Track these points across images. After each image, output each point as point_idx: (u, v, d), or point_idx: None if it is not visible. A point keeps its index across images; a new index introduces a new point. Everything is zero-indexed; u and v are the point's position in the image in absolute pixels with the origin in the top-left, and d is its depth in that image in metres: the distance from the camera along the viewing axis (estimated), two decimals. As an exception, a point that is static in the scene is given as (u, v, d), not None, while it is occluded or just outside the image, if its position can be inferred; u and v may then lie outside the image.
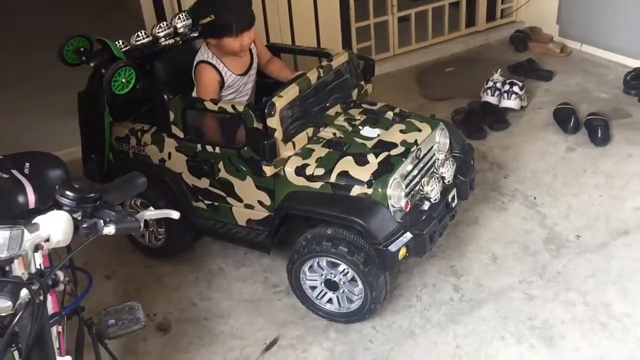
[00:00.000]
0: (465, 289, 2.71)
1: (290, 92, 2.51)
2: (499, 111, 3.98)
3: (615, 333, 2.43)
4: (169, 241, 2.96)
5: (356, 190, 2.41)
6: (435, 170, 2.62)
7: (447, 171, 2.60)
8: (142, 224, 1.70)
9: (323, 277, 2.53)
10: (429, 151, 2.64)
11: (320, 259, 2.50)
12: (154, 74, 2.88)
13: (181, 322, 2.69)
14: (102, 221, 1.60)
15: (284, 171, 2.52)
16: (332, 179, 2.45)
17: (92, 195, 1.62)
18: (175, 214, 1.87)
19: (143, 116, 2.99)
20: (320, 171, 2.47)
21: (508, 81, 4.04)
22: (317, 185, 2.48)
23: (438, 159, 2.66)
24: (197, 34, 2.91)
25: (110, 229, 1.60)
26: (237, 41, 2.68)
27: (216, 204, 2.79)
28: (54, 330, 1.76)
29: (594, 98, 4.11)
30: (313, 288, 2.59)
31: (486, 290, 2.69)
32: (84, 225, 1.59)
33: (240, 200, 2.70)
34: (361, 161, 2.46)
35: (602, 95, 4.14)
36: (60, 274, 1.76)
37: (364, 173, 2.42)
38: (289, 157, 2.52)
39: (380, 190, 2.38)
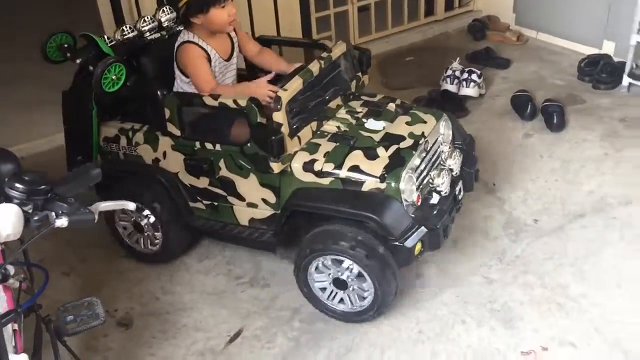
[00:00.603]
0: (427, 275, 2.74)
1: (294, 85, 2.41)
2: (458, 99, 4.02)
3: (572, 313, 2.49)
4: (165, 245, 2.83)
5: (368, 185, 2.34)
6: (442, 163, 2.57)
7: (455, 163, 2.56)
8: (96, 216, 1.68)
9: (331, 276, 2.46)
10: (434, 143, 2.59)
11: (324, 258, 2.42)
12: (142, 70, 2.74)
13: (143, 317, 2.64)
14: (53, 214, 1.61)
15: (290, 167, 2.43)
16: (343, 174, 2.37)
17: (43, 187, 1.62)
18: (131, 205, 1.86)
19: (131, 114, 2.84)
20: (329, 166, 2.39)
21: (466, 69, 4.08)
22: (326, 181, 2.39)
23: (443, 151, 2.62)
24: (182, 23, 2.77)
25: (62, 222, 1.59)
26: (224, 11, 2.56)
27: (216, 203, 2.67)
28: (9, 327, 1.70)
29: (549, 85, 4.21)
30: (323, 290, 2.51)
31: (447, 275, 2.73)
32: (35, 218, 1.59)
33: (243, 199, 2.59)
34: (371, 155, 2.39)
35: (558, 82, 4.26)
36: (11, 269, 1.74)
37: (375, 167, 2.35)
38: (295, 152, 2.43)
39: (393, 184, 2.32)
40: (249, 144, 2.44)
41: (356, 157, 2.39)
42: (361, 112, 2.66)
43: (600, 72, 4.13)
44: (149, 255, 2.90)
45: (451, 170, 2.55)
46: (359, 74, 2.86)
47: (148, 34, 2.83)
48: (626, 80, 4.05)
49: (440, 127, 2.64)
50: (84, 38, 2.61)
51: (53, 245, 2.96)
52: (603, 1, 4.31)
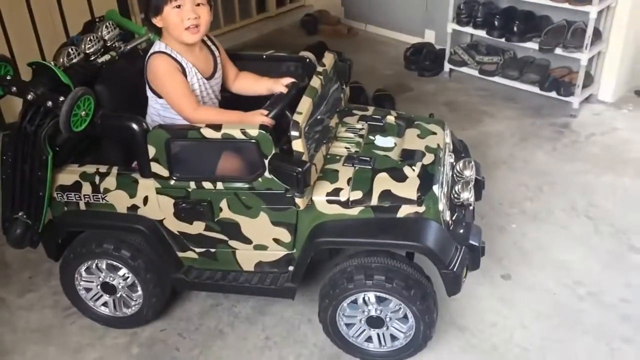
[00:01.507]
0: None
1: (306, 106, 2.10)
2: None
3: None
4: (145, 306, 2.38)
5: (404, 211, 2.11)
6: (458, 174, 2.41)
7: (472, 174, 2.41)
8: None
9: (365, 313, 2.20)
10: (444, 154, 2.43)
11: (357, 296, 2.17)
12: (99, 100, 2.25)
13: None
14: None
15: (312, 200, 2.13)
16: (374, 201, 2.12)
17: None
18: None
19: (84, 155, 2.36)
20: (357, 194, 2.12)
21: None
22: (355, 211, 2.13)
23: (452, 162, 2.46)
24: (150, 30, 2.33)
25: None
26: (179, 12, 2.10)
27: (212, 250, 2.28)
28: None
29: (380, 75, 4.45)
30: (349, 326, 2.25)
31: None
32: None
33: (249, 242, 2.23)
34: (399, 176, 2.16)
35: (387, 72, 4.50)
36: None
37: (408, 190, 2.13)
38: (314, 182, 2.13)
39: (432, 206, 2.11)
40: (260, 179, 2.09)
41: (383, 180, 2.15)
42: (363, 128, 2.42)
43: (424, 59, 4.43)
44: (121, 320, 2.44)
45: (469, 181, 2.39)
46: (343, 86, 2.61)
47: (94, 56, 2.36)
48: (447, 66, 4.35)
49: (446, 136, 2.48)
50: (32, 67, 2.08)
51: None
52: None
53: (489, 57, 4.18)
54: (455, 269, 2.09)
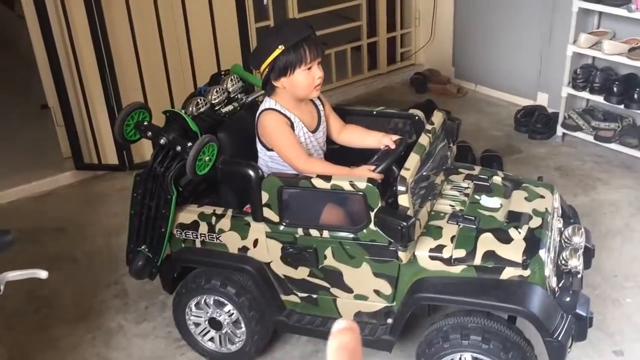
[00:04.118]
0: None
1: (414, 163, 2.16)
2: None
3: None
4: (248, 344, 2.48)
5: (508, 273, 2.09)
6: (566, 240, 2.35)
7: (581, 241, 2.35)
8: (2, 287, 1.60)
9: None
10: (552, 219, 2.38)
11: (455, 355, 2.15)
12: (220, 147, 2.43)
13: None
14: None
15: (414, 255, 2.16)
16: (477, 261, 2.12)
17: None
18: (43, 274, 1.71)
19: (201, 196, 2.54)
20: (460, 253, 2.13)
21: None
22: (457, 269, 2.13)
23: (560, 227, 2.41)
24: (263, 89, 2.49)
25: None
26: (310, 74, 2.24)
27: (315, 296, 2.36)
28: None
29: (488, 136, 4.33)
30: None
31: None
32: None
33: (350, 291, 2.29)
34: (504, 238, 2.15)
35: (496, 133, 4.39)
36: None
37: (513, 252, 2.11)
38: (417, 237, 2.17)
39: (537, 271, 2.08)
40: (365, 230, 2.16)
41: (488, 240, 2.15)
42: (468, 187, 2.44)
43: (536, 122, 4.30)
44: (226, 356, 2.55)
45: (578, 249, 2.33)
46: (451, 145, 2.65)
47: (219, 106, 2.56)
48: (560, 130, 4.20)
49: (555, 200, 2.45)
50: (166, 114, 2.30)
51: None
52: (535, 55, 4.51)
53: (605, 123, 4.06)
54: (560, 338, 2.03)
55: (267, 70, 2.26)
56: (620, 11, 3.66)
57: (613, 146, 3.99)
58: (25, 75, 4.80)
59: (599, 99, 3.96)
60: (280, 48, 2.20)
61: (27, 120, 4.58)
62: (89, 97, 3.86)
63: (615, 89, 3.85)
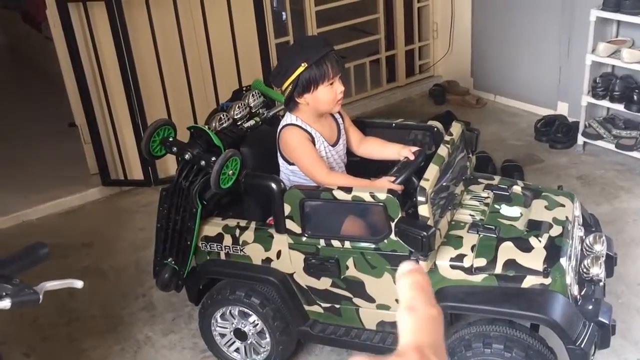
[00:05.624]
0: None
1: (433, 173, 2.20)
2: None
3: None
4: (273, 354, 2.52)
5: (529, 282, 2.11)
6: (587, 248, 2.36)
7: (603, 249, 2.36)
8: (41, 296, 1.64)
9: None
10: (573, 227, 2.40)
11: (477, 361, 2.16)
12: (243, 161, 2.49)
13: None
14: None
15: (435, 264, 2.19)
16: (498, 269, 2.14)
17: None
18: (79, 283, 1.76)
19: (226, 209, 2.60)
20: (481, 262, 2.16)
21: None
22: (478, 278, 2.16)
23: (581, 235, 2.42)
24: (285, 105, 2.55)
25: (5, 304, 1.57)
26: (332, 89, 2.30)
27: (337, 306, 2.39)
28: None
29: (508, 146, 4.32)
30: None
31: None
32: None
33: (372, 301, 2.32)
34: (524, 246, 2.17)
35: (516, 143, 4.38)
36: None
37: (534, 261, 2.13)
38: (438, 247, 2.20)
39: (558, 279, 2.09)
40: (385, 241, 2.20)
41: (509, 249, 2.17)
42: (488, 197, 2.46)
43: (556, 132, 4.28)
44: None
45: (600, 256, 2.34)
46: (470, 155, 2.68)
47: (241, 121, 2.63)
48: (580, 139, 4.18)
49: (576, 209, 2.46)
50: (191, 130, 2.37)
51: (15, 325, 2.94)
52: (554, 64, 4.50)
53: (627, 131, 4.05)
54: (583, 346, 2.04)
55: (290, 87, 2.31)
56: (639, 19, 3.66)
57: (635, 154, 3.98)
58: (52, 94, 4.93)
59: (620, 107, 3.96)
60: (304, 65, 2.26)
61: (54, 138, 4.69)
62: (115, 115, 3.96)
63: (635, 97, 3.85)
